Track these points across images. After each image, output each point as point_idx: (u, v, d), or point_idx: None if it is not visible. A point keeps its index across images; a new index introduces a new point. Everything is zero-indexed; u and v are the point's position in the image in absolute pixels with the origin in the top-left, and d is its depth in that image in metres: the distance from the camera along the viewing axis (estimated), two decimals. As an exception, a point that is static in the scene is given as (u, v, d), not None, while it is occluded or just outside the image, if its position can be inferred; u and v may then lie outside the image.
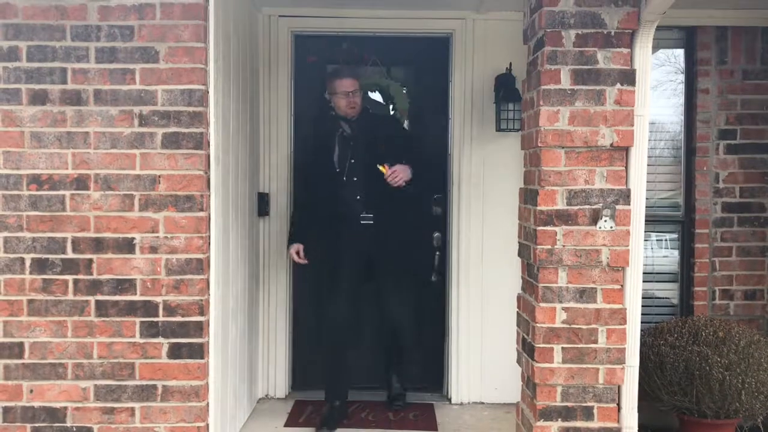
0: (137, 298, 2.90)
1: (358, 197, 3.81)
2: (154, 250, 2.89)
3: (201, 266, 2.89)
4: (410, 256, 3.92)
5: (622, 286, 2.84)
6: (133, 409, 2.91)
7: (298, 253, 3.87)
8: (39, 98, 2.88)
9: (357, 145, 3.85)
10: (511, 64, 4.04)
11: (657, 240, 4.31)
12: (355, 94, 3.84)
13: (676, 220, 4.24)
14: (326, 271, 3.92)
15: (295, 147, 4.29)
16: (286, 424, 3.91)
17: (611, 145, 2.80)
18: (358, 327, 4.02)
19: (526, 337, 3.02)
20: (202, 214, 2.89)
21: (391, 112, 4.44)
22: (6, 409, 2.92)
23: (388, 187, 3.71)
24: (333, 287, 3.87)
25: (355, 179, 3.81)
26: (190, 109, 2.87)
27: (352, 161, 3.82)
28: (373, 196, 3.80)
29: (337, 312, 3.82)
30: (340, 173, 3.83)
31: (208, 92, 2.91)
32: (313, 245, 3.91)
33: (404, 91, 4.36)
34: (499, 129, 4.06)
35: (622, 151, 2.82)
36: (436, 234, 4.27)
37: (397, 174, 3.69)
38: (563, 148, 2.81)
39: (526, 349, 3.01)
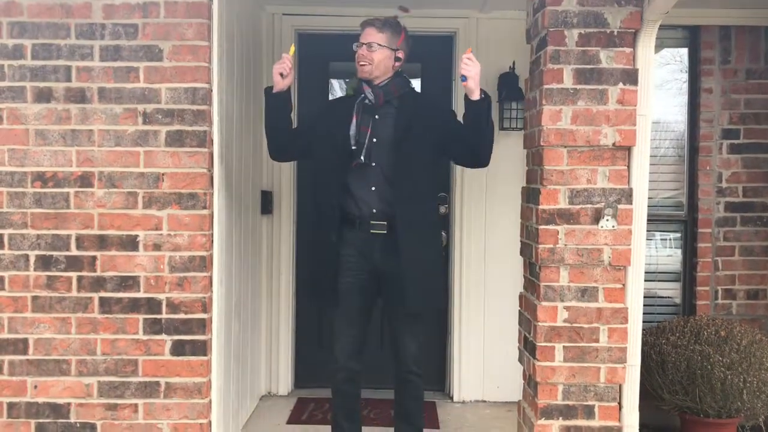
0: (141, 295, 2.91)
1: (373, 188, 2.93)
2: (157, 247, 2.90)
3: (204, 264, 2.91)
4: (421, 266, 2.96)
5: (623, 285, 2.85)
6: (136, 406, 2.93)
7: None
8: (44, 96, 2.89)
9: (382, 119, 2.95)
10: (514, 62, 4.05)
11: (661, 239, 4.31)
12: (371, 48, 2.92)
13: (679, 219, 4.24)
14: (325, 300, 3.04)
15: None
16: (289, 421, 3.93)
17: (613, 144, 2.80)
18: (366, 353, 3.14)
19: (527, 335, 3.03)
20: (205, 211, 2.90)
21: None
22: (10, 405, 2.94)
23: (408, 179, 2.92)
24: (338, 326, 3.04)
25: (374, 164, 2.92)
26: (194, 107, 2.88)
27: (374, 140, 2.92)
28: (389, 190, 2.93)
29: (346, 360, 3.03)
30: (356, 152, 2.91)
31: (211, 90, 2.93)
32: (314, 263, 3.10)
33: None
34: (502, 128, 4.07)
35: (624, 151, 2.82)
36: (441, 233, 4.27)
37: (475, 66, 2.77)
38: (565, 147, 2.82)
39: (528, 348, 3.01)
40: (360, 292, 2.99)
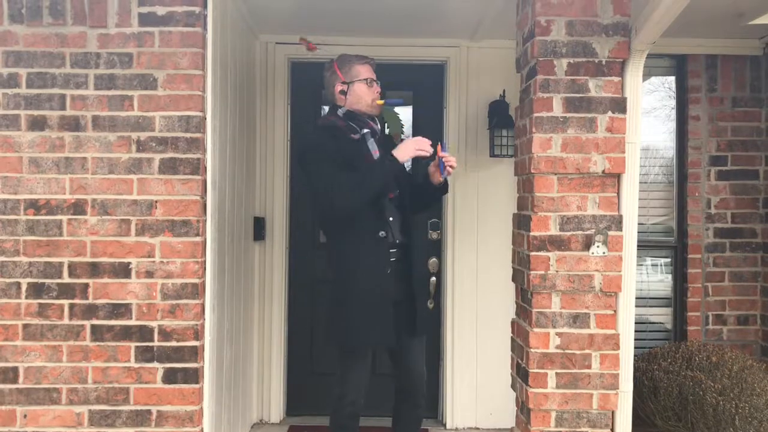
0: (133, 322, 2.90)
1: (391, 218, 3.00)
2: (149, 274, 2.90)
3: (196, 291, 2.90)
4: (420, 292, 3.10)
5: (614, 311, 2.86)
6: (127, 435, 2.91)
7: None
8: (38, 124, 2.91)
9: (387, 151, 3.05)
10: (504, 90, 4.10)
11: (652, 265, 4.34)
12: (378, 85, 3.09)
13: (669, 245, 4.28)
14: (343, 332, 2.92)
15: (291, 172, 4.31)
16: (281, 450, 3.90)
17: (603, 171, 2.84)
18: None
19: (520, 362, 3.03)
20: (198, 238, 2.91)
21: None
22: (-1, 435, 2.91)
23: (408, 206, 3.08)
24: (352, 360, 2.98)
25: (393, 195, 3.02)
26: (188, 135, 2.90)
27: (393, 171, 2.98)
28: (401, 219, 3.04)
29: (356, 394, 2.98)
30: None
31: (205, 118, 2.95)
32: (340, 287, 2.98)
33: (398, 116, 4.40)
34: (493, 155, 4.11)
35: (613, 178, 2.86)
36: (433, 259, 4.28)
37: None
38: (556, 174, 2.85)
39: (521, 374, 3.01)
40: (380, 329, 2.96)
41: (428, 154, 2.90)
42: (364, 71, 3.07)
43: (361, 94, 3.05)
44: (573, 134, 2.84)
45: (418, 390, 3.08)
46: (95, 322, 2.90)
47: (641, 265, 4.27)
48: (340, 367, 3.00)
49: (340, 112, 3.10)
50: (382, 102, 3.06)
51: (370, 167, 2.92)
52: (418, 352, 3.07)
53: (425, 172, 3.06)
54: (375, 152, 3.00)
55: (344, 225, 2.95)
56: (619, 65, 2.86)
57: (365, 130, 3.00)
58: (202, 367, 2.95)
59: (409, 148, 2.90)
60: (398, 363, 3.09)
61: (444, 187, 3.07)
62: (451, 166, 2.94)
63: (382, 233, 2.94)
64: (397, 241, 2.99)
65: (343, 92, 3.08)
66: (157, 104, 2.90)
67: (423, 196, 3.13)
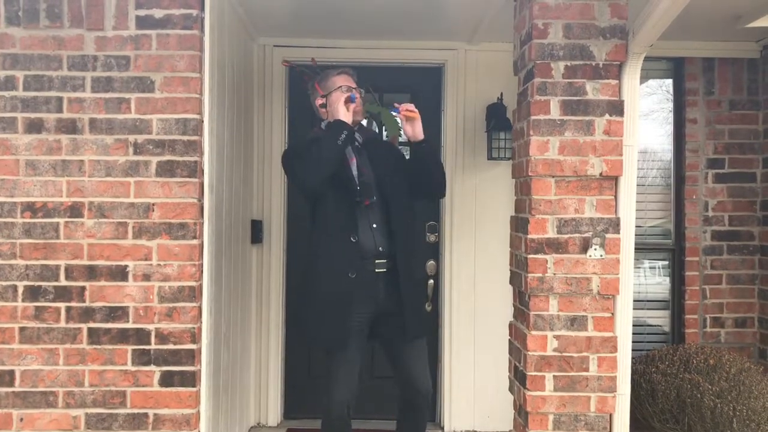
0: (129, 325, 2.90)
1: (375, 225, 3.02)
2: (147, 277, 2.89)
3: (193, 294, 2.90)
4: (418, 298, 3.16)
5: (612, 314, 2.86)
6: (123, 438, 2.90)
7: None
8: (35, 127, 2.90)
9: (372, 158, 3.10)
10: (502, 93, 4.10)
11: (650, 267, 4.34)
12: (360, 93, 3.11)
13: (667, 247, 4.28)
14: (324, 338, 2.99)
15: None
16: (278, 453, 3.89)
17: (600, 174, 2.84)
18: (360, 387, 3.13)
19: (518, 365, 3.03)
20: (195, 241, 2.90)
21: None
22: (-5, 438, 2.90)
23: (399, 215, 3.06)
24: (338, 369, 3.00)
25: (373, 201, 3.03)
26: (185, 137, 2.89)
27: (370, 179, 3.05)
28: (387, 227, 3.04)
29: (340, 409, 2.99)
30: (361, 192, 3.01)
31: (202, 121, 2.94)
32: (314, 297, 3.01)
33: (395, 118, 4.40)
34: (490, 157, 4.11)
35: (611, 181, 2.86)
36: (431, 262, 4.29)
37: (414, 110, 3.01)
38: (553, 177, 2.85)
39: (518, 377, 3.01)
40: (361, 334, 3.02)
41: (353, 94, 2.98)
42: (340, 80, 3.10)
43: (335, 101, 3.02)
44: (570, 137, 2.84)
45: (421, 404, 3.11)
46: (92, 325, 2.90)
47: (639, 267, 4.28)
48: (330, 375, 3.01)
49: (323, 124, 3.14)
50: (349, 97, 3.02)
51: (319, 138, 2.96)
52: (420, 364, 3.08)
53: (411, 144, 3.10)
54: (352, 159, 3.05)
55: (321, 226, 3.03)
56: (617, 68, 2.86)
57: (342, 135, 2.89)
58: (199, 370, 2.94)
59: (339, 107, 2.95)
60: (399, 375, 3.11)
61: (427, 144, 3.09)
62: (408, 110, 3.00)
63: (353, 238, 2.97)
64: (381, 249, 3.00)
65: (324, 105, 3.14)
66: (154, 107, 2.89)
67: (416, 167, 3.11)
